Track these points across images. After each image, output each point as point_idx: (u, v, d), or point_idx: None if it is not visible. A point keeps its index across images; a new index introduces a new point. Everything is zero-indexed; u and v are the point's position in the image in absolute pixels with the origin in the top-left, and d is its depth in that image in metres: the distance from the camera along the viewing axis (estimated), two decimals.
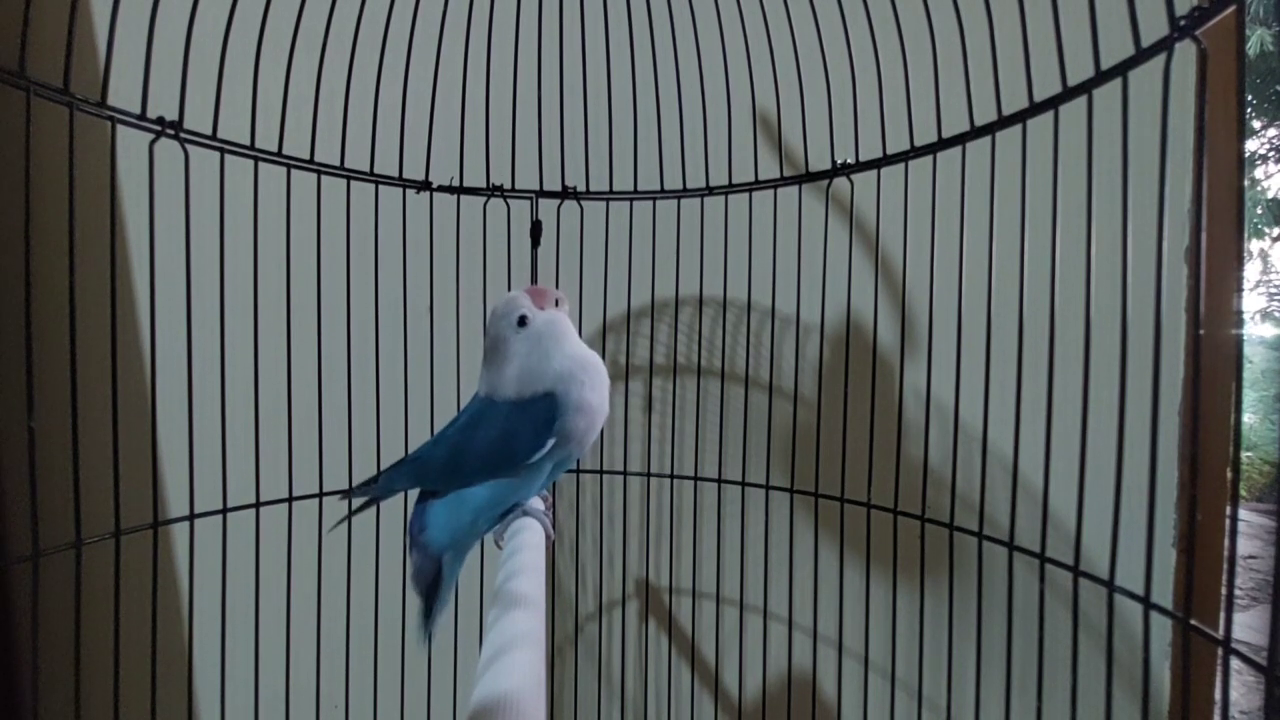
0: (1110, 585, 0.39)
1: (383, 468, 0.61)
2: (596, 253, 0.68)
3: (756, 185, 0.63)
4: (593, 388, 0.46)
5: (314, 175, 0.57)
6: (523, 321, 0.46)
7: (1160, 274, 0.36)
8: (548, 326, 0.47)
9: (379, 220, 0.62)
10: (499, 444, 0.44)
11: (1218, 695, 0.35)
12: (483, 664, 0.30)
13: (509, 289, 0.69)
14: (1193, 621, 0.34)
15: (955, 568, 0.57)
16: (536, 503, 0.48)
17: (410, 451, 0.48)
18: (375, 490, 0.46)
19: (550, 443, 0.44)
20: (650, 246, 0.68)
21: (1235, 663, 0.32)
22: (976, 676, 0.50)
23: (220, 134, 0.50)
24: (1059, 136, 0.41)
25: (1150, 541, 0.36)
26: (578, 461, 0.71)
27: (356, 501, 0.48)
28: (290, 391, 0.56)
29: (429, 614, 0.47)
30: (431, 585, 0.47)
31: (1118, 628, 0.39)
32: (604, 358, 0.75)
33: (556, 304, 0.48)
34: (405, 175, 0.62)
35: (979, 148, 0.48)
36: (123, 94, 0.44)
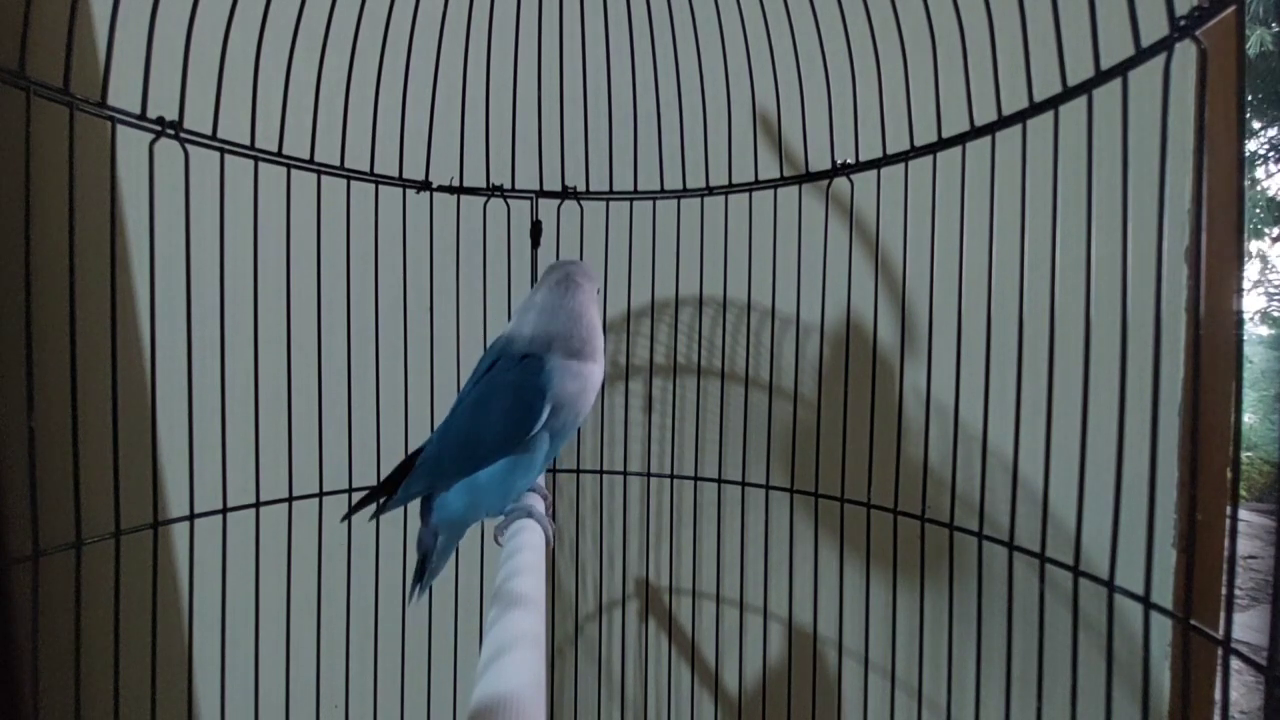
0: (1110, 585, 0.39)
1: (382, 468, 0.62)
2: (596, 253, 0.68)
3: (756, 185, 0.63)
4: (591, 362, 0.46)
5: (314, 175, 0.57)
6: (566, 282, 0.48)
7: (1160, 274, 0.36)
8: (582, 295, 0.48)
9: (379, 220, 0.62)
10: (508, 417, 0.44)
11: (1218, 695, 0.35)
12: (483, 664, 0.30)
13: (509, 289, 0.69)
14: (1193, 621, 0.34)
15: (955, 568, 0.57)
16: (538, 504, 0.48)
17: (419, 455, 0.48)
18: (395, 503, 0.47)
19: (547, 410, 0.44)
20: (650, 246, 0.68)
21: (1235, 663, 0.32)
22: (976, 676, 0.50)
23: (220, 134, 0.50)
24: (1059, 136, 0.41)
25: (1150, 541, 0.36)
26: (578, 459, 0.71)
27: (355, 519, 0.48)
28: (290, 391, 0.56)
29: (420, 575, 0.48)
30: (428, 552, 0.48)
31: (1118, 628, 0.39)
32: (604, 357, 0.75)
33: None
34: (405, 175, 0.62)
35: (979, 148, 0.48)
36: (123, 94, 0.44)
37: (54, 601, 0.43)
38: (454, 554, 0.50)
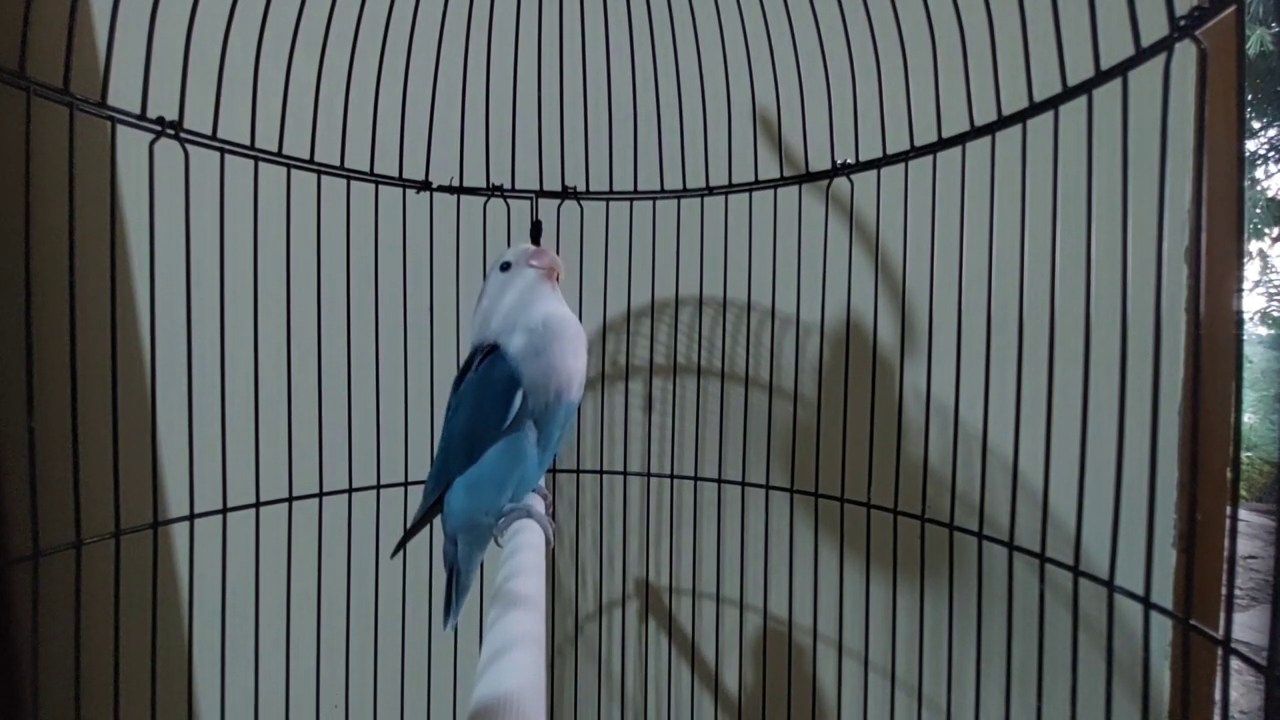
0: (1110, 585, 0.39)
1: (383, 468, 0.62)
2: (596, 253, 0.68)
3: (756, 185, 0.63)
4: (549, 340, 0.46)
5: (314, 175, 0.57)
6: (505, 267, 0.49)
7: (1160, 274, 0.36)
8: (521, 279, 0.48)
9: (379, 220, 0.62)
10: (484, 408, 0.45)
11: (1218, 695, 0.35)
12: (483, 664, 0.30)
13: None
14: (1193, 621, 0.34)
15: (955, 568, 0.57)
16: (538, 504, 0.48)
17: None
18: (418, 516, 0.49)
19: (519, 397, 0.45)
20: (650, 246, 0.68)
21: (1235, 663, 0.32)
22: (976, 676, 0.50)
23: (220, 134, 0.50)
24: (1059, 136, 0.41)
25: (1150, 541, 0.36)
26: (578, 459, 0.71)
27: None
28: (290, 391, 0.56)
29: (447, 597, 0.49)
30: (453, 563, 0.49)
31: (1118, 628, 0.39)
32: (604, 358, 0.75)
33: (557, 278, 0.50)
34: (405, 175, 0.62)
35: (979, 148, 0.48)
36: (123, 94, 0.44)
37: (54, 601, 0.43)
38: (480, 568, 0.51)
